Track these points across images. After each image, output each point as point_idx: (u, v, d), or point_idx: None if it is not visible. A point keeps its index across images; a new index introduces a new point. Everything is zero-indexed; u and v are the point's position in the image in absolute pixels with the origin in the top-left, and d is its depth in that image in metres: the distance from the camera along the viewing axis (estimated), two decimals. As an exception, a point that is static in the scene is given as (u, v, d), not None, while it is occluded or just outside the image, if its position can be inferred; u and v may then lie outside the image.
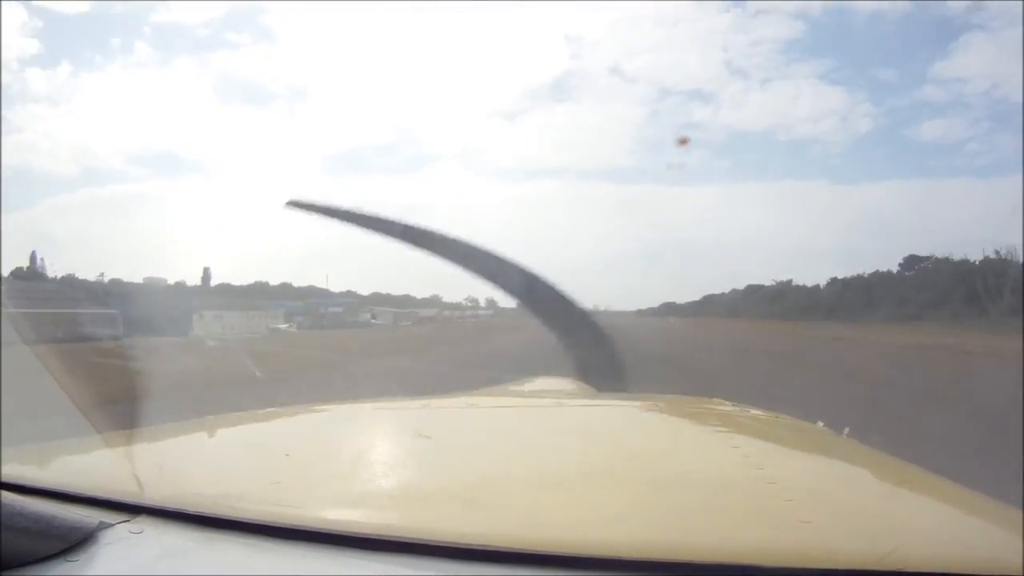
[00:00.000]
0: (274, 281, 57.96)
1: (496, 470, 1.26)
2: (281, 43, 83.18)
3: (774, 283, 56.54)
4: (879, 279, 43.71)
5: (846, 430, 1.74)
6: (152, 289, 40.45)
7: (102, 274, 42.02)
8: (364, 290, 61.87)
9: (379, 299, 63.09)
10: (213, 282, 52.14)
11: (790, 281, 54.38)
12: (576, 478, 1.21)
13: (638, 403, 2.18)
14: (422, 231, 1.73)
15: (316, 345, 26.00)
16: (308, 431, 1.72)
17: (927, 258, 43.68)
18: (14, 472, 1.06)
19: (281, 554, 0.89)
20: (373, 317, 55.10)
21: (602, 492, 1.12)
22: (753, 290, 59.07)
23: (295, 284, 58.39)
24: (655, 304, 73.46)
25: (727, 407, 2.01)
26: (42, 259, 41.34)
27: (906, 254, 43.69)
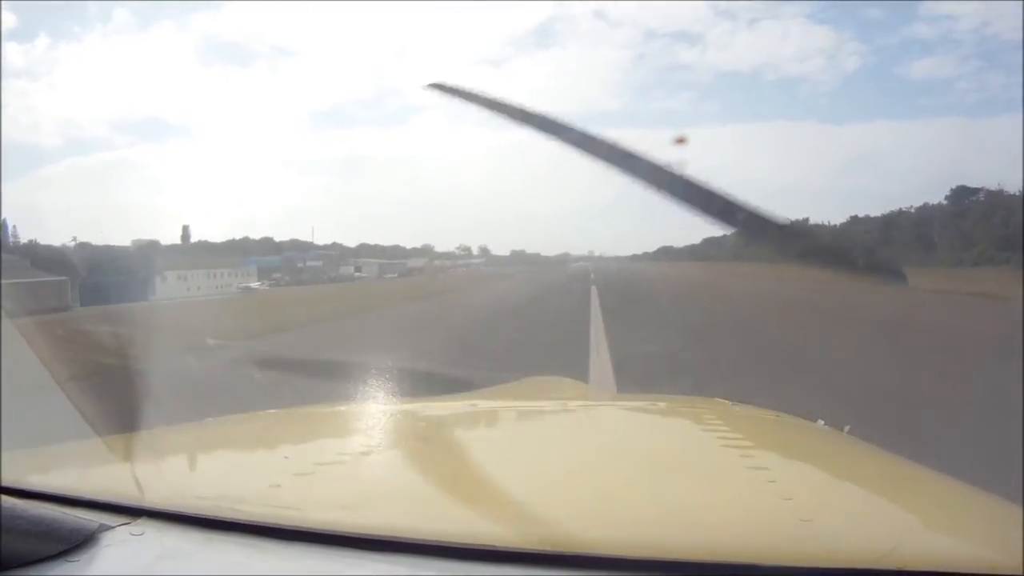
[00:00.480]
0: (255, 236, 55.40)
1: (496, 470, 1.27)
2: (262, 1, 79.51)
3: (788, 222, 51.63)
4: (929, 215, 37.39)
5: (846, 428, 1.72)
6: (120, 252, 37.75)
7: (74, 238, 40.21)
8: (351, 242, 61.30)
9: (367, 250, 62.25)
10: (193, 240, 49.67)
11: (806, 219, 49.68)
12: (576, 478, 1.22)
13: (638, 403, 2.20)
14: (572, 129, 1.47)
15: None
16: (307, 433, 1.74)
17: (977, 190, 37.22)
18: (15, 476, 1.06)
19: (281, 555, 0.91)
20: (357, 270, 52.63)
21: (602, 492, 1.13)
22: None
23: (276, 238, 56.07)
24: (651, 249, 72.07)
25: (727, 406, 1.99)
26: (14, 226, 39.82)
27: (955, 185, 37.13)
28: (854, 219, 44.30)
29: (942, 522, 1.10)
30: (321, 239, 59.01)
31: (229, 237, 54.55)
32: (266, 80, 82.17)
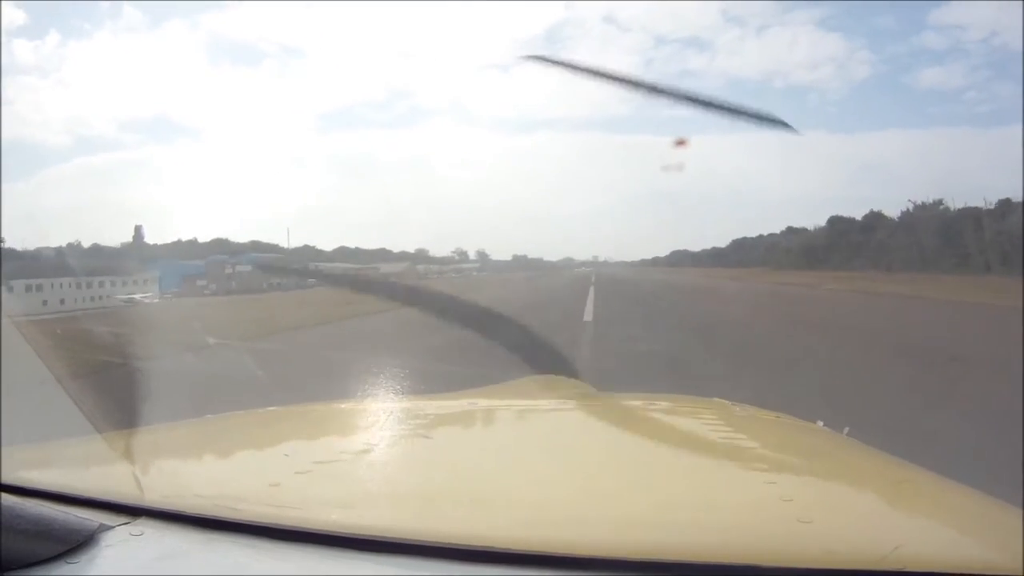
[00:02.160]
0: (224, 237, 49.10)
1: (496, 470, 1.27)
2: (271, 1, 74.10)
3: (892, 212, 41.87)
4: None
5: (846, 429, 1.72)
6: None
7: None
8: (330, 245, 58.29)
9: (344, 254, 54.70)
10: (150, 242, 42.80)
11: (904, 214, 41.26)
12: (576, 478, 1.21)
13: (638, 403, 2.18)
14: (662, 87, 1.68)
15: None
16: (307, 431, 1.73)
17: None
18: (14, 474, 1.05)
19: (281, 555, 0.91)
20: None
21: (602, 492, 1.13)
22: (838, 223, 44.33)
23: (235, 239, 48.75)
24: (663, 253, 65.65)
25: (727, 407, 1.99)
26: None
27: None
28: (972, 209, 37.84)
29: (942, 523, 1.10)
30: (298, 241, 55.26)
31: (191, 238, 50.34)
32: (275, 80, 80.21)
